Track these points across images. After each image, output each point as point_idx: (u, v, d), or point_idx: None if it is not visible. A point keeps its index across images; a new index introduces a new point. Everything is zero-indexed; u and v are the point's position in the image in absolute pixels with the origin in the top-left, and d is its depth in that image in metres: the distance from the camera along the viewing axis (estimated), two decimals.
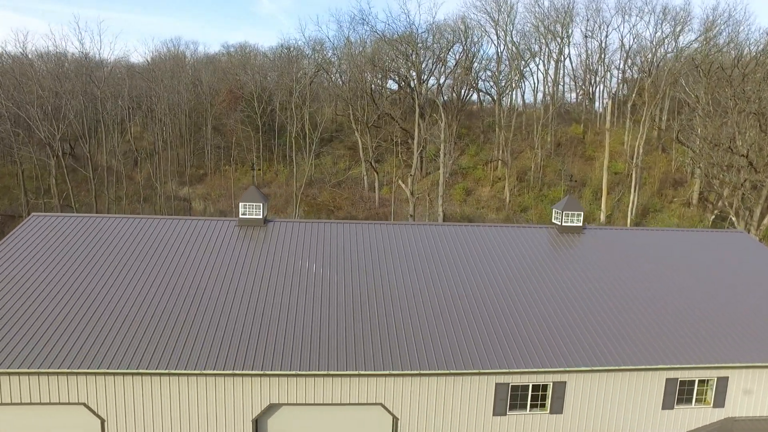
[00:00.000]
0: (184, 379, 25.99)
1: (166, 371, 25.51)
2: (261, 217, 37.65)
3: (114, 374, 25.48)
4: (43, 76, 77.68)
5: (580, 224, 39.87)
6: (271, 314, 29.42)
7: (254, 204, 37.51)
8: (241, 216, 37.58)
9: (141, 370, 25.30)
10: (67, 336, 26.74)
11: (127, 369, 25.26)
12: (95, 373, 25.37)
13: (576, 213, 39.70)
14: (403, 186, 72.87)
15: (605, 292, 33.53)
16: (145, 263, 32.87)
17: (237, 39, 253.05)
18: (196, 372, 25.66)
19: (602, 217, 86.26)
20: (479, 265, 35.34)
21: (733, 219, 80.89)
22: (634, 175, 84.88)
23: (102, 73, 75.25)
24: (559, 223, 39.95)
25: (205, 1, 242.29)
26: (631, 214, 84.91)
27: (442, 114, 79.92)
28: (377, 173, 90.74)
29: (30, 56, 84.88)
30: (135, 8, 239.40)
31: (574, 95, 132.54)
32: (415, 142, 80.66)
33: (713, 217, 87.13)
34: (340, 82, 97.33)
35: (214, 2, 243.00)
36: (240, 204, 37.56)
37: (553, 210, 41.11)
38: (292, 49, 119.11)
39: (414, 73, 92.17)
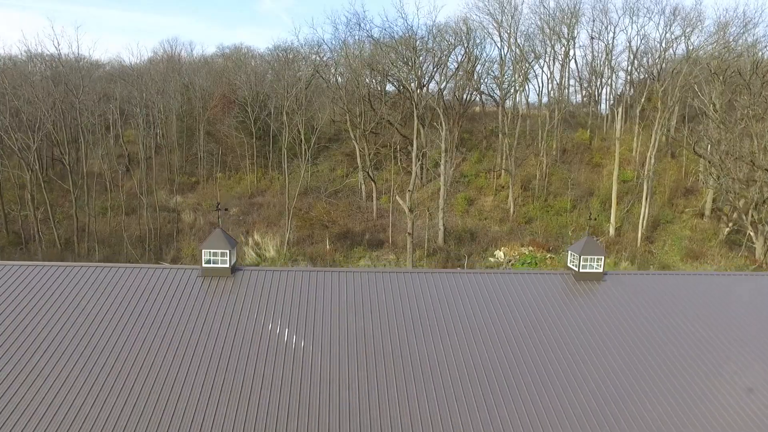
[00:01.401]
0: None
1: None
2: (228, 266, 31.37)
3: None
4: (18, 83, 71.31)
5: (600, 270, 33.48)
6: (228, 404, 23.18)
7: (220, 251, 31.23)
8: (204, 265, 31.32)
9: None
10: None
11: None
12: None
13: (596, 257, 33.31)
14: (401, 202, 66.58)
15: (633, 362, 27.16)
16: (81, 332, 26.62)
17: (237, 37, 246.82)
18: None
19: (611, 230, 79.85)
20: (483, 328, 29.04)
21: (751, 234, 74.57)
22: (645, 187, 78.36)
23: (80, 80, 68.72)
24: (576, 269, 33.55)
25: None
26: (642, 227, 78.47)
27: (443, 122, 73.43)
28: (375, 183, 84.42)
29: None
30: (136, 6, 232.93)
31: (579, 97, 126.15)
32: (414, 154, 74.23)
33: (728, 230, 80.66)
34: (337, 85, 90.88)
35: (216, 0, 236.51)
36: (202, 250, 31.29)
37: (569, 253, 34.68)
38: (288, 51, 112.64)
39: (413, 77, 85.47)
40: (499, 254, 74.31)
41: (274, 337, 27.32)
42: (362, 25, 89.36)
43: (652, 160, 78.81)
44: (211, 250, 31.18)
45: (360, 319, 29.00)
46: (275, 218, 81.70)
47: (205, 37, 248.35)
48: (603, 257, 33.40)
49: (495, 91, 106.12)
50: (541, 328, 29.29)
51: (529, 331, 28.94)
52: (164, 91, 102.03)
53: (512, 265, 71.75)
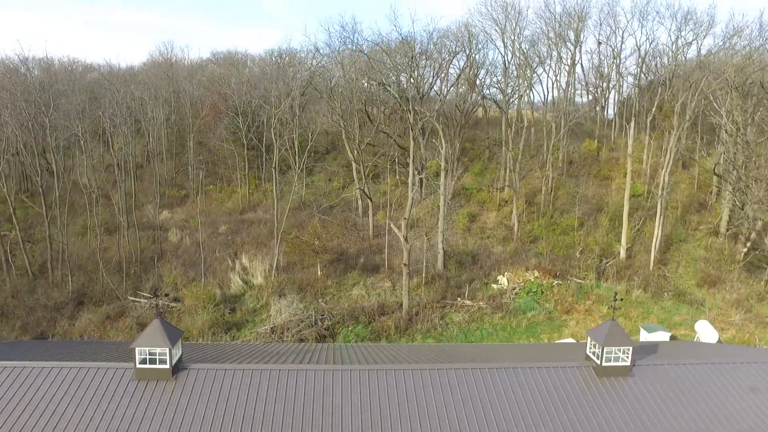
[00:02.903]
0: None
1: None
2: (168, 366, 24.66)
3: None
4: None
5: (628, 362, 26.65)
6: None
7: (158, 350, 24.50)
8: (139, 365, 24.61)
9: None
10: None
11: None
12: None
13: (623, 348, 26.46)
14: (396, 230, 59.65)
15: None
16: None
17: (242, 37, 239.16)
18: None
19: (622, 252, 72.77)
20: None
21: None
22: (659, 207, 71.20)
23: (49, 99, 61.83)
24: (598, 361, 26.72)
25: None
26: (655, 249, 71.37)
27: (442, 141, 66.34)
28: (371, 201, 77.48)
29: None
30: (140, 6, 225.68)
31: (584, 99, 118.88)
32: (410, 178, 67.19)
33: (745, 250, 73.43)
34: (331, 95, 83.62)
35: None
36: (135, 348, 24.56)
37: (588, 339, 27.82)
38: (284, 54, 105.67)
39: (412, 85, 78.05)
40: (503, 280, 67.46)
41: None
42: (352, 38, 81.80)
43: (666, 179, 71.48)
44: (148, 349, 24.46)
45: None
46: (265, 238, 74.88)
47: (208, 37, 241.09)
48: (631, 348, 26.53)
49: (498, 95, 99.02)
50: None
51: None
52: (156, 98, 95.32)
53: (516, 293, 64.92)
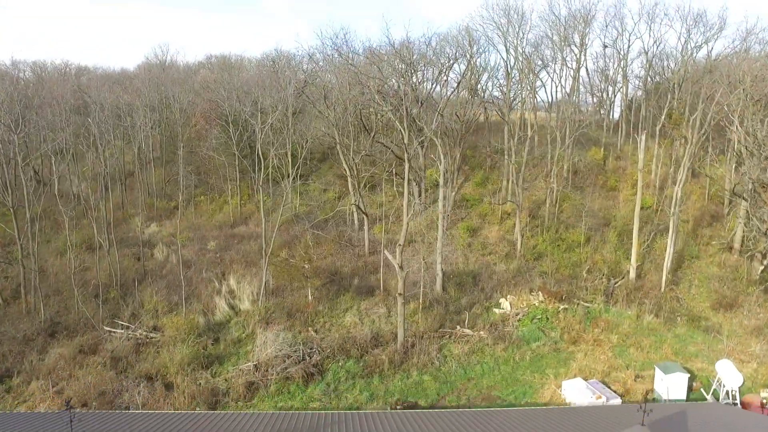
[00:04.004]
0: None
1: None
2: None
3: None
4: None
5: None
6: None
7: None
8: None
9: None
10: None
11: None
12: None
13: None
14: (390, 258, 54.04)
15: None
16: None
17: (242, 36, 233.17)
18: None
19: (632, 272, 66.97)
20: None
21: None
22: (671, 225, 65.39)
23: (18, 113, 56.36)
24: None
25: None
26: (667, 269, 65.58)
27: (441, 155, 60.54)
28: (366, 216, 71.79)
29: None
30: (141, 4, 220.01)
31: (589, 101, 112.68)
32: (405, 202, 61.38)
33: (762, 268, 67.61)
34: (326, 104, 77.80)
35: None
36: None
37: None
38: (280, 58, 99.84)
39: (407, 100, 72.08)
40: (506, 304, 61.78)
41: None
42: (344, 48, 75.89)
43: (679, 194, 65.61)
44: None
45: None
46: (255, 256, 69.25)
47: (208, 38, 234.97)
48: None
49: (500, 100, 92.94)
50: None
51: None
52: (147, 104, 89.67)
53: (520, 320, 59.25)
